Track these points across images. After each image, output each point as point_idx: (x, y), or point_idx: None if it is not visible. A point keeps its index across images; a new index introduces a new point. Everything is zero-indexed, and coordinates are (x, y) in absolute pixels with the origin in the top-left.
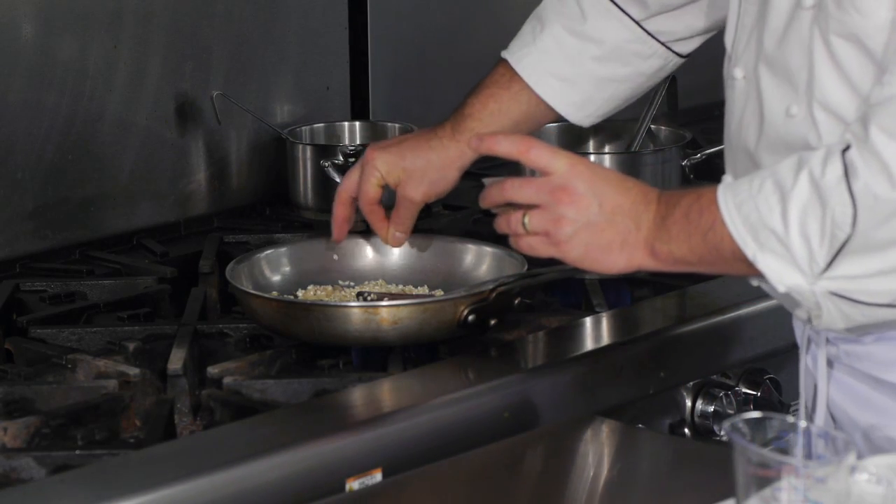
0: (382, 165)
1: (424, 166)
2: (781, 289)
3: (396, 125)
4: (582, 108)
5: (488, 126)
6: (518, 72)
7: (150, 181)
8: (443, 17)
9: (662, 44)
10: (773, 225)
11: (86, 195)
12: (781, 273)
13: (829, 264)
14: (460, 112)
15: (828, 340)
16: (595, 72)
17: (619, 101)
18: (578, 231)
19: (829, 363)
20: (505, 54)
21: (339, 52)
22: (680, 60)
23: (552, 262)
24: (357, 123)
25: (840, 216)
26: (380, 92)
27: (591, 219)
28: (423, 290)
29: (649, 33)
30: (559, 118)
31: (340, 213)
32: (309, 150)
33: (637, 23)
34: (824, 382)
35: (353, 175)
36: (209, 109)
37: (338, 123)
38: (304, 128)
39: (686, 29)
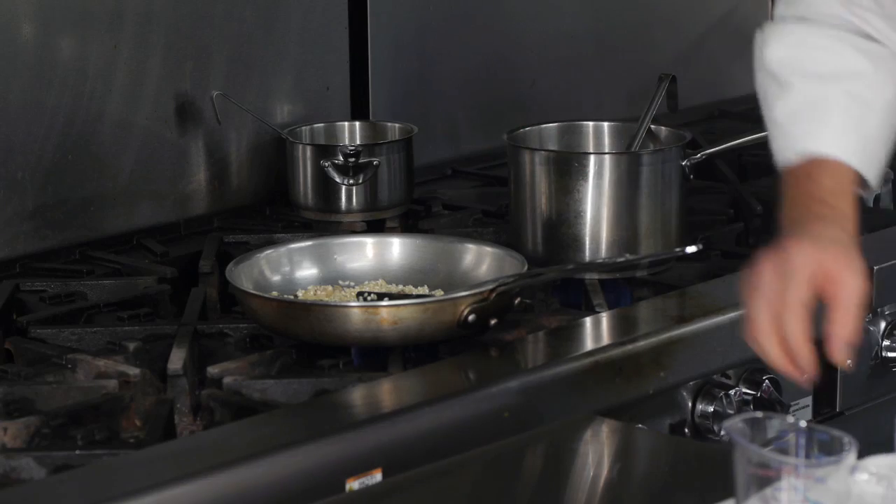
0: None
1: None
2: None
3: (396, 125)
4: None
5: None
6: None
7: (150, 181)
8: (443, 17)
9: None
10: None
11: (86, 195)
12: None
13: None
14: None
15: None
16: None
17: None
18: None
19: None
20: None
21: (339, 52)
22: None
23: (552, 261)
24: (357, 123)
25: None
26: (380, 92)
27: None
28: (423, 290)
29: None
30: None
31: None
32: (309, 150)
33: None
34: None
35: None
36: (209, 109)
37: (338, 123)
38: (304, 128)
39: None
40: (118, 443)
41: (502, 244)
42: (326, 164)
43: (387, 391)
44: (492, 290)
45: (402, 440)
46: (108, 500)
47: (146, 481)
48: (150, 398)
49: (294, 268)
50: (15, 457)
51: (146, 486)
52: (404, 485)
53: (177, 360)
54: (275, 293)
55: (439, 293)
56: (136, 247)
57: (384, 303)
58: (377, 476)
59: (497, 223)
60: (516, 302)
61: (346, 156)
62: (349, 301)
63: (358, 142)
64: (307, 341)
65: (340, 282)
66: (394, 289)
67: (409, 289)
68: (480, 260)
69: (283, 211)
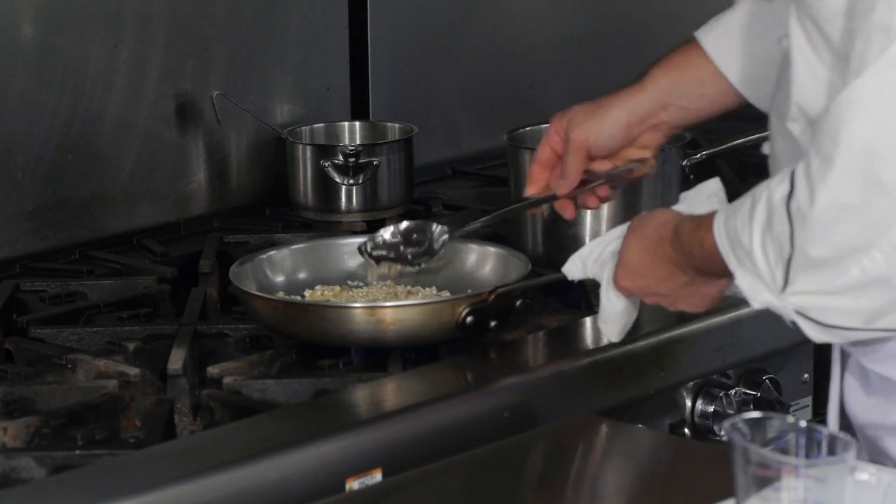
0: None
1: (591, 107)
2: (756, 305)
3: (396, 125)
4: (759, 88)
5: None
6: (703, 47)
7: (150, 181)
8: (443, 17)
9: None
10: (744, 241)
11: (86, 195)
12: (754, 289)
13: (787, 280)
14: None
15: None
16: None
17: None
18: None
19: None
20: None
21: (339, 52)
22: None
23: (552, 262)
24: (357, 123)
25: (780, 234)
26: (380, 92)
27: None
28: (431, 291)
29: None
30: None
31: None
32: (309, 150)
33: None
34: (845, 386)
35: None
36: (209, 109)
37: (338, 123)
38: (304, 128)
39: None
40: (118, 443)
41: (505, 245)
42: (326, 164)
43: (386, 391)
44: (490, 292)
45: (402, 440)
46: (108, 500)
47: (146, 481)
48: (150, 398)
49: (301, 268)
50: (15, 457)
51: (146, 486)
52: (404, 485)
53: (177, 360)
54: (280, 294)
55: (446, 294)
56: (136, 247)
57: (384, 303)
58: (377, 476)
59: (497, 223)
60: (517, 303)
61: (346, 156)
62: (355, 301)
63: (358, 142)
64: (308, 342)
65: (349, 282)
66: (401, 290)
67: (418, 289)
68: (485, 261)
69: (283, 211)
